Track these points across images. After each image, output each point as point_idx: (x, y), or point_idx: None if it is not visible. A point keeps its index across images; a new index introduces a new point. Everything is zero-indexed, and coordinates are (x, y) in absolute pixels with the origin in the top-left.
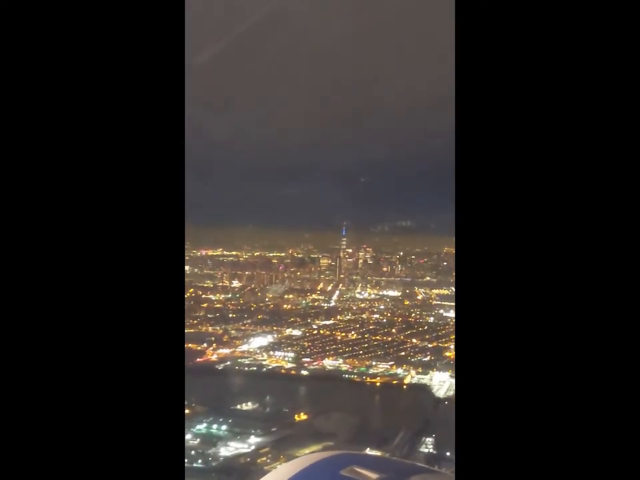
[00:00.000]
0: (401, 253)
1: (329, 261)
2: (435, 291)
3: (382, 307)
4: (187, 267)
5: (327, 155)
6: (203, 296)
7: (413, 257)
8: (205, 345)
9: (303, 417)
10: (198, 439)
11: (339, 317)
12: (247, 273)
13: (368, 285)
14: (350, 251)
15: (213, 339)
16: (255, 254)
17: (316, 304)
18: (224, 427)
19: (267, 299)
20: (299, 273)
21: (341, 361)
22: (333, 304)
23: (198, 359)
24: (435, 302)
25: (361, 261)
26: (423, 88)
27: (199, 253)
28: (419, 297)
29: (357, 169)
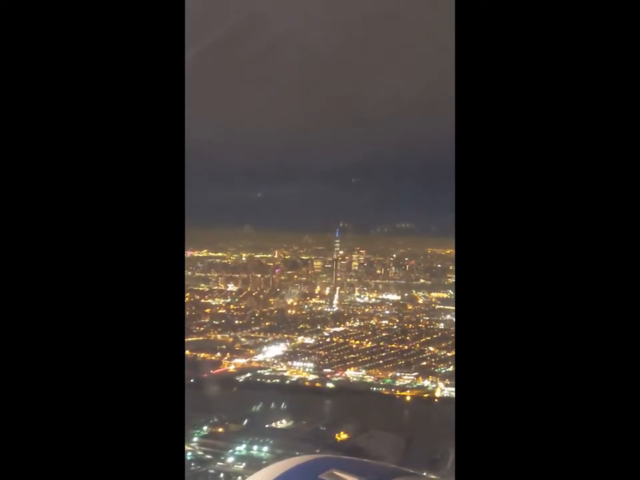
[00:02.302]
0: (394, 255)
1: (322, 263)
2: (434, 294)
3: (387, 312)
4: None
5: (316, 155)
6: (202, 300)
7: (406, 258)
8: (219, 354)
9: (344, 436)
10: (243, 463)
11: (347, 323)
12: (243, 276)
13: (365, 288)
14: (342, 252)
15: (224, 347)
16: (244, 255)
17: (319, 309)
18: (265, 449)
19: (270, 304)
20: (296, 277)
21: (363, 371)
22: (336, 309)
23: (215, 370)
24: (438, 306)
25: (354, 263)
26: (421, 88)
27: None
28: (420, 301)
29: (349, 170)
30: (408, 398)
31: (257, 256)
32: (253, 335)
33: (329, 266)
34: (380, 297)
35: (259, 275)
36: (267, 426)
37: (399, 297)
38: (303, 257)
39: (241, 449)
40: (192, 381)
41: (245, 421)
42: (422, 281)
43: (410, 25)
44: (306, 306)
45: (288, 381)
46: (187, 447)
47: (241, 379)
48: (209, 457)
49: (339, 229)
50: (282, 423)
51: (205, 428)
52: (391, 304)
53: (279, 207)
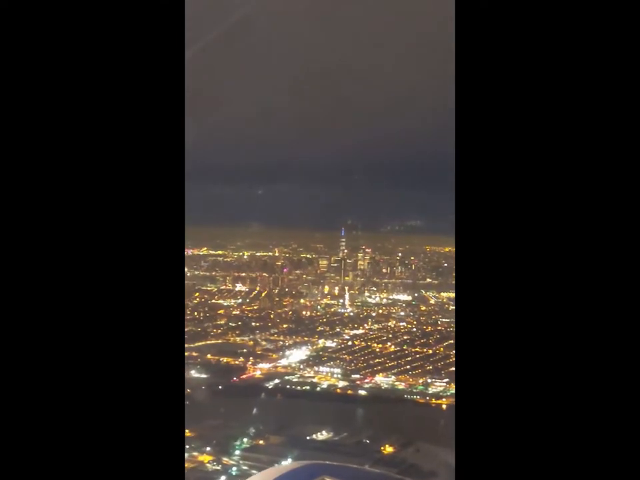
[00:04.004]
0: (400, 255)
1: (327, 262)
2: (445, 294)
3: (402, 313)
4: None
5: (318, 153)
6: (212, 301)
7: (412, 257)
8: (242, 358)
9: (389, 449)
10: None
11: (365, 325)
12: (251, 275)
13: (374, 288)
14: (346, 251)
15: (245, 350)
16: (245, 254)
17: (332, 310)
18: None
19: (284, 305)
20: (305, 276)
21: (393, 377)
22: (349, 309)
23: (241, 376)
24: (451, 307)
25: (360, 262)
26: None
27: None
28: (432, 302)
29: (350, 167)
30: (444, 407)
31: (258, 254)
32: (272, 338)
33: (335, 265)
34: (391, 297)
35: (266, 274)
36: (308, 438)
37: (409, 297)
38: (306, 256)
39: (287, 463)
40: (220, 387)
41: (286, 433)
42: (428, 280)
43: (410, 24)
44: (319, 307)
45: (318, 388)
46: (230, 461)
47: (270, 385)
48: (254, 472)
49: (345, 227)
50: (322, 435)
51: (245, 440)
52: (404, 304)
53: (275, 205)
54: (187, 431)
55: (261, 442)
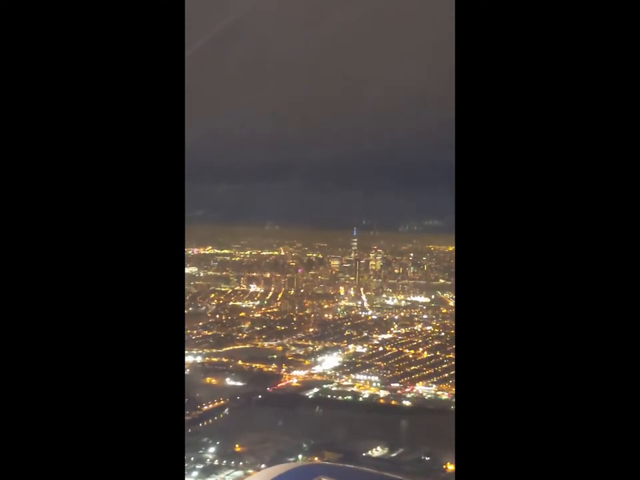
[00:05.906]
0: (412, 255)
1: (338, 262)
2: None
3: (424, 316)
4: (194, 268)
5: (325, 152)
6: (230, 303)
7: (424, 258)
8: (275, 365)
9: (451, 467)
10: None
11: (392, 329)
12: (265, 275)
13: (389, 289)
14: (355, 249)
15: (275, 356)
16: (253, 253)
17: (353, 312)
18: None
19: (305, 307)
20: (320, 277)
21: (434, 387)
22: (370, 312)
23: (279, 384)
24: None
25: (372, 262)
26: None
27: (190, 252)
28: (451, 304)
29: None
30: None
31: (263, 253)
32: (300, 343)
33: (347, 265)
34: (409, 298)
35: (279, 275)
36: (364, 454)
37: (427, 299)
38: (314, 255)
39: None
40: (260, 397)
41: (340, 449)
42: (441, 281)
43: (410, 25)
44: (339, 309)
45: (360, 398)
46: None
47: (310, 395)
48: None
49: (359, 227)
50: (377, 451)
51: (300, 457)
52: (424, 307)
53: (276, 204)
54: (236, 445)
55: (316, 459)
